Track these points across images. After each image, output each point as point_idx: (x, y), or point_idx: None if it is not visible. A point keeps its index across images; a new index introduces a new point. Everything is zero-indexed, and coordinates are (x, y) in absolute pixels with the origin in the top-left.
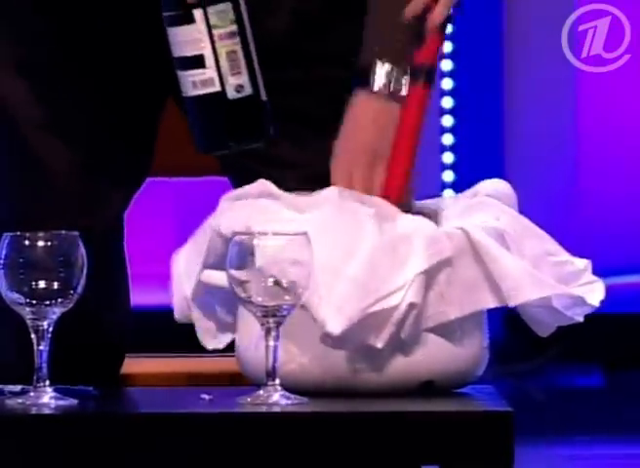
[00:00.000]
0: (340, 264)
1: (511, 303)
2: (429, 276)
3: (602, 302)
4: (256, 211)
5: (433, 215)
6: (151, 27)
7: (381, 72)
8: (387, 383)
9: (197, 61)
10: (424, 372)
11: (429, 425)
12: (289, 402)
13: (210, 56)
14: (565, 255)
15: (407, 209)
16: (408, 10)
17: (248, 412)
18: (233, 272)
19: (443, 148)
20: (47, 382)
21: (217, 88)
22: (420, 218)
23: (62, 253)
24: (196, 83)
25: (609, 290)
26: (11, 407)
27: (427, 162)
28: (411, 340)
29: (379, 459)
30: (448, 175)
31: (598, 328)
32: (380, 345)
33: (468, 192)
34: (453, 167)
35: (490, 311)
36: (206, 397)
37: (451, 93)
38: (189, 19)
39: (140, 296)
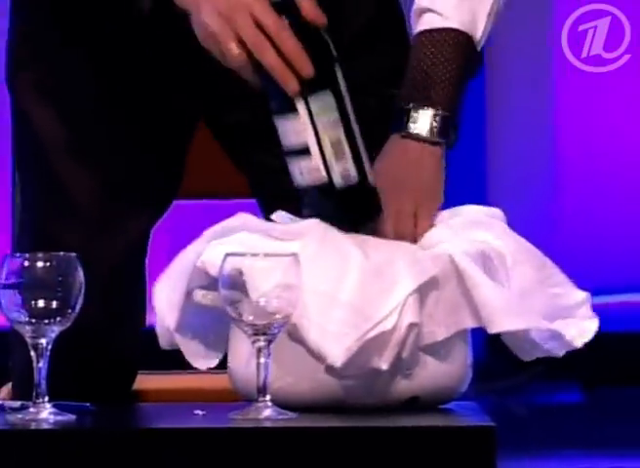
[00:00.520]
0: (331, 289)
1: (489, 331)
2: (419, 295)
3: None
4: (237, 243)
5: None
6: (184, 52)
7: (436, 121)
8: (374, 399)
9: (302, 151)
10: (410, 389)
11: (415, 439)
12: (279, 417)
13: (314, 144)
14: (564, 286)
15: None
16: None
17: (240, 428)
18: (225, 292)
19: None
20: (46, 398)
21: (323, 177)
22: (401, 243)
23: (61, 273)
24: (303, 172)
25: None
26: (11, 422)
27: None
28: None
29: None
30: None
31: None
32: (384, 367)
33: (447, 212)
34: None
35: (473, 330)
36: (199, 412)
37: None
38: (292, 110)
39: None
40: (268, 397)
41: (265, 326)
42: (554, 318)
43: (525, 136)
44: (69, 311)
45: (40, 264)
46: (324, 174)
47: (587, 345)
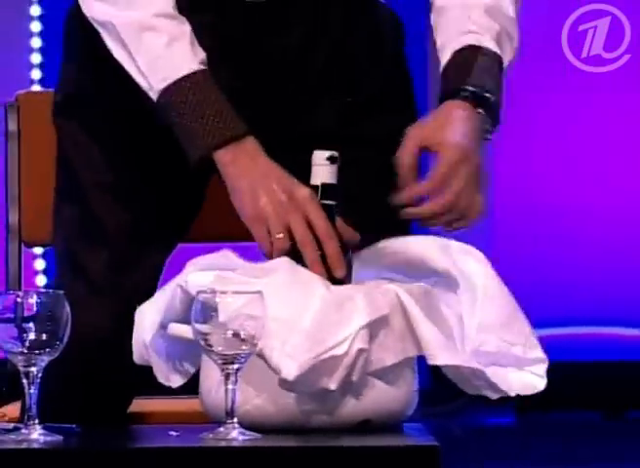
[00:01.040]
0: (293, 319)
1: (428, 362)
2: (370, 328)
3: None
4: (217, 278)
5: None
6: None
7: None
8: (331, 421)
9: None
10: (363, 412)
11: (368, 458)
12: (245, 438)
13: None
14: (527, 339)
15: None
16: None
17: (209, 447)
18: (197, 325)
19: None
20: (36, 421)
21: None
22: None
23: (50, 308)
24: None
25: None
26: (4, 441)
27: None
28: (353, 385)
29: None
30: None
31: None
32: (332, 387)
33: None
34: None
35: (418, 360)
36: (173, 433)
37: None
38: None
39: None
40: (235, 419)
41: (233, 355)
42: (503, 363)
43: (518, 134)
44: (57, 343)
45: (31, 301)
46: None
47: None
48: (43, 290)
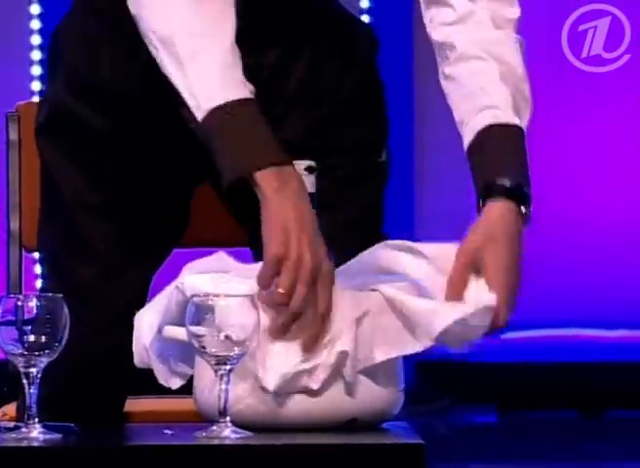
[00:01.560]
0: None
1: (432, 335)
2: (357, 327)
3: (495, 353)
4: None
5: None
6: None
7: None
8: (319, 420)
9: None
10: (350, 411)
11: (355, 455)
12: (238, 436)
13: None
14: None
15: None
16: None
17: (203, 445)
18: (191, 328)
19: None
20: (36, 420)
21: None
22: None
23: (49, 311)
24: None
25: (503, 343)
26: (5, 439)
27: None
28: (340, 385)
29: None
30: None
31: (493, 374)
32: (315, 387)
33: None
34: None
35: (404, 361)
36: (168, 432)
37: None
38: None
39: None
40: (228, 418)
41: (226, 357)
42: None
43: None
44: (56, 344)
45: (31, 304)
46: None
47: (502, 374)
48: (43, 293)
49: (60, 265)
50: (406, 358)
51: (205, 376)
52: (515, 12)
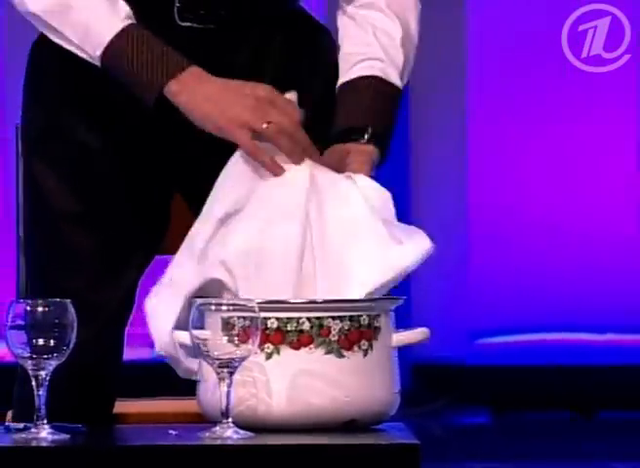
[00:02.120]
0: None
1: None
2: None
3: (490, 356)
4: None
5: None
6: (163, 141)
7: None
8: (318, 421)
9: None
10: (349, 413)
11: (353, 455)
12: (239, 436)
13: None
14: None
15: None
16: None
17: (206, 445)
18: (195, 332)
19: None
20: (45, 420)
21: None
22: None
23: (57, 316)
24: None
25: (497, 346)
26: (15, 440)
27: None
28: (337, 386)
29: None
30: None
31: (487, 377)
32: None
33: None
34: None
35: (400, 364)
36: (172, 432)
37: None
38: None
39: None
40: (230, 419)
41: (228, 360)
42: None
43: (518, 134)
44: (64, 348)
45: (40, 309)
46: None
47: (496, 377)
48: (51, 299)
49: (46, 276)
50: (402, 360)
51: (208, 379)
52: None
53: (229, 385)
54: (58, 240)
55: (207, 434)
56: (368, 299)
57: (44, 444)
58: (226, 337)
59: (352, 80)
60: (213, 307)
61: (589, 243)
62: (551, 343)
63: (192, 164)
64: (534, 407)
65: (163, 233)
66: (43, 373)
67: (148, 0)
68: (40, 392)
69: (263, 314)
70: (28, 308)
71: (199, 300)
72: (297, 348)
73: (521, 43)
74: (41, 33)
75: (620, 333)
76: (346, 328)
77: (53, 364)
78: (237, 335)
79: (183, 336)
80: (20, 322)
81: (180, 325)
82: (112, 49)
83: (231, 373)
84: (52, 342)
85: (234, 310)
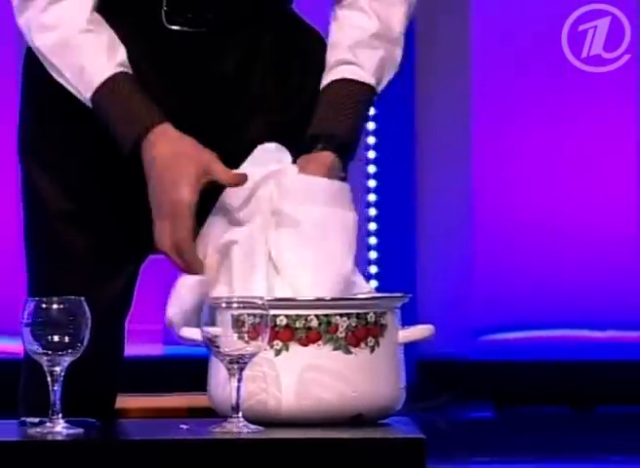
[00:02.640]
0: None
1: None
2: None
3: (493, 352)
4: None
5: None
6: None
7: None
8: (326, 416)
9: None
10: (356, 408)
11: (360, 449)
12: (249, 430)
13: None
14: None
15: None
16: None
17: (217, 439)
18: (206, 329)
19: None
20: (60, 415)
21: None
22: None
23: (71, 313)
24: None
25: (500, 342)
26: (31, 434)
27: None
28: (345, 381)
29: None
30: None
31: (490, 372)
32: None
33: None
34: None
35: (406, 360)
36: (184, 427)
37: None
38: None
39: (133, 348)
40: (240, 414)
41: (238, 356)
42: None
43: (518, 134)
44: (79, 344)
45: (54, 307)
46: None
47: (499, 372)
48: (65, 297)
49: (43, 275)
50: (407, 355)
51: (218, 374)
52: None
53: (239, 380)
54: (52, 239)
55: (218, 428)
56: (374, 297)
57: (59, 438)
58: (237, 334)
59: (326, 86)
60: (224, 305)
61: (590, 242)
62: (553, 340)
63: None
64: (535, 401)
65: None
66: (58, 369)
67: (137, 4)
68: (55, 387)
69: (273, 311)
70: (43, 306)
71: (210, 298)
72: (305, 345)
73: (521, 43)
74: None
75: (619, 330)
76: (354, 325)
77: (67, 360)
78: (247, 332)
79: (194, 333)
80: (36, 319)
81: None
82: (99, 94)
83: (241, 369)
84: (66, 339)
85: (244, 308)
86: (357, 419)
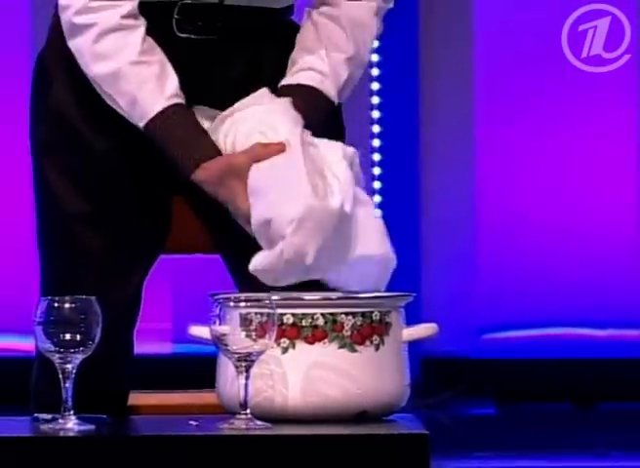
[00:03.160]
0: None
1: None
2: None
3: (495, 350)
4: None
5: None
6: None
7: None
8: (332, 412)
9: None
10: (361, 405)
11: (365, 445)
12: (257, 427)
13: None
14: None
15: None
16: None
17: (226, 435)
18: (215, 327)
19: None
20: (71, 412)
21: None
22: None
23: (83, 312)
24: None
25: (502, 341)
26: (44, 430)
27: None
28: (350, 379)
29: None
30: None
31: (492, 370)
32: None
33: None
34: None
35: (410, 357)
36: (194, 423)
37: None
38: None
39: (144, 347)
40: (248, 411)
41: (246, 354)
42: None
43: (518, 134)
44: (90, 342)
45: (67, 305)
46: None
47: (501, 370)
48: (77, 296)
49: (58, 276)
50: (412, 352)
51: (227, 372)
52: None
53: (247, 378)
54: (68, 240)
55: (226, 424)
56: (379, 296)
57: (71, 434)
58: (244, 332)
59: (291, 85)
60: (232, 303)
61: (591, 241)
62: (554, 338)
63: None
64: (537, 398)
65: (166, 233)
66: (70, 367)
67: (149, 13)
68: (67, 385)
69: (280, 310)
70: (56, 305)
71: (218, 296)
72: (311, 343)
73: (521, 43)
74: (46, 44)
75: (619, 329)
76: (359, 323)
77: (79, 357)
78: (255, 331)
79: (203, 331)
80: (48, 318)
81: None
82: (152, 125)
83: (249, 367)
84: (78, 337)
85: (252, 306)
86: (362, 416)
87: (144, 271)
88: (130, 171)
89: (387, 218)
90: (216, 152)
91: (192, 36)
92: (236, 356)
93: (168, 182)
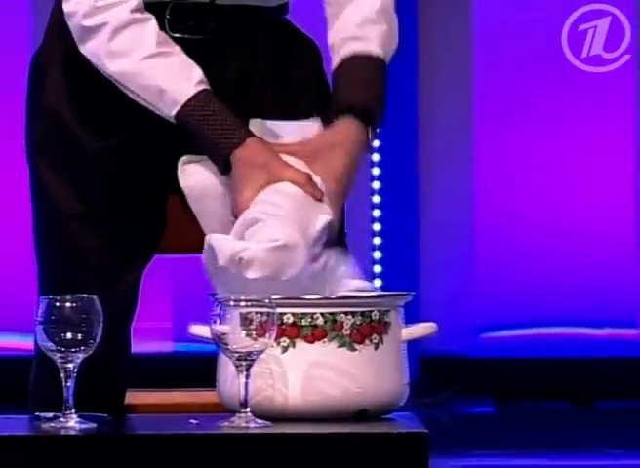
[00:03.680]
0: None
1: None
2: None
3: (494, 349)
4: None
5: None
6: (160, 143)
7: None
8: (331, 411)
9: None
10: (360, 403)
11: (364, 443)
12: (257, 425)
13: None
14: None
15: None
16: None
17: (226, 433)
18: (215, 326)
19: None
20: (73, 410)
21: None
22: None
23: (84, 311)
24: None
25: (501, 340)
26: (45, 429)
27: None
28: (349, 378)
29: None
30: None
31: (491, 369)
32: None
33: None
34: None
35: (409, 356)
36: (194, 422)
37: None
38: None
39: (144, 345)
40: (248, 409)
41: (246, 353)
42: None
43: (518, 134)
44: (91, 341)
45: (67, 305)
46: None
47: (500, 369)
48: (78, 295)
49: (56, 276)
50: (410, 353)
51: (227, 371)
52: None
53: (247, 377)
54: (64, 239)
55: (226, 423)
56: (379, 296)
57: (72, 432)
58: (245, 332)
59: (337, 66)
60: (232, 303)
61: (589, 241)
62: (552, 337)
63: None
64: (535, 397)
65: (161, 232)
66: (71, 366)
67: None
68: (68, 384)
69: (280, 310)
70: (57, 304)
71: (219, 296)
72: (311, 342)
73: (521, 43)
74: (42, 44)
75: (617, 328)
76: (358, 322)
77: (80, 356)
78: (255, 330)
79: (203, 330)
80: (49, 317)
81: None
82: (187, 110)
83: (249, 366)
84: (79, 336)
85: (252, 306)
86: (362, 415)
87: (140, 270)
88: (125, 170)
89: (387, 218)
90: (248, 134)
91: (185, 36)
92: (236, 355)
93: (163, 182)
